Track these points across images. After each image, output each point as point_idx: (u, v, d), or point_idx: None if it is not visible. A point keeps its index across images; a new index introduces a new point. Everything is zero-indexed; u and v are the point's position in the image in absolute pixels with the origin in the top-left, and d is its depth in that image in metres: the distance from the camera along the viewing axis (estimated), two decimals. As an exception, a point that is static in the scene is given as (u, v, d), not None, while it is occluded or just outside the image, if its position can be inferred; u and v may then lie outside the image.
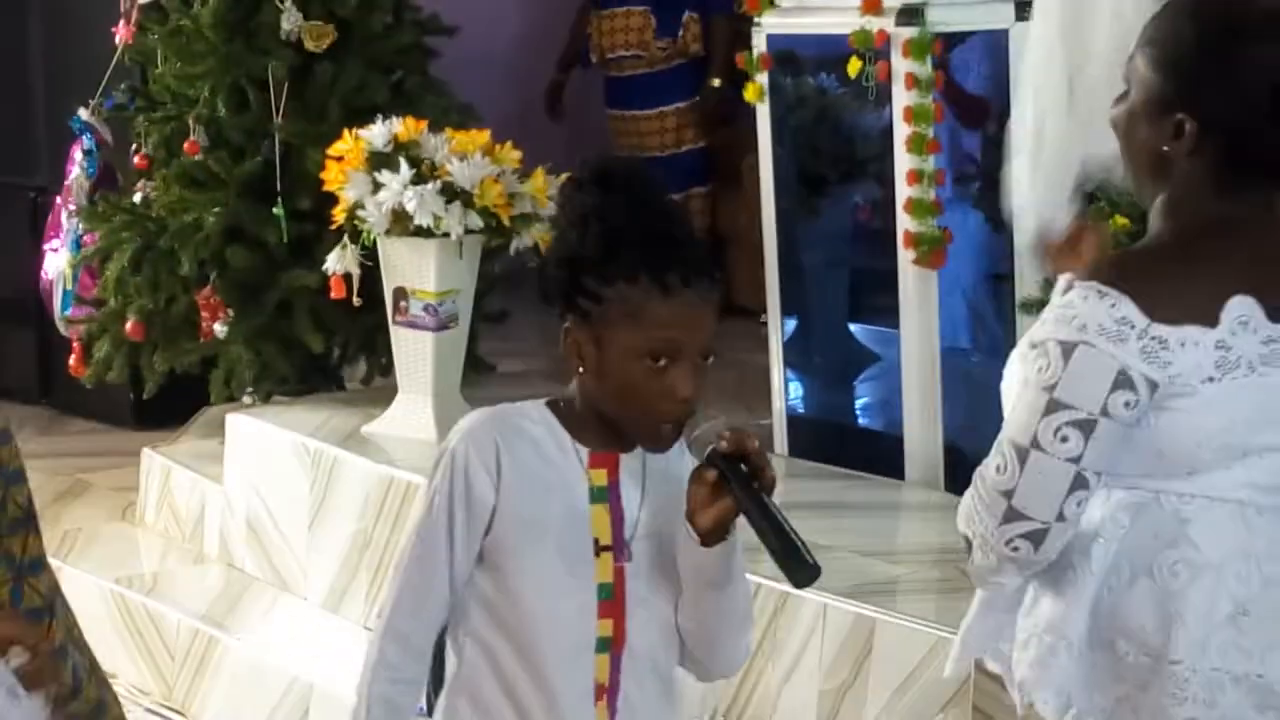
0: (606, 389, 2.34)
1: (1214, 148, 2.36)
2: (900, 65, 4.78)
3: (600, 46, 7.49)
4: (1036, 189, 2.85)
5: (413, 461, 5.19)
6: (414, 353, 5.46)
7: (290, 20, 5.83)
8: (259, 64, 5.87)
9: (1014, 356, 2.47)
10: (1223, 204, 2.37)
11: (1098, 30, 2.95)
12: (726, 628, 2.40)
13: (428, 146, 5.31)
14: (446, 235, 5.21)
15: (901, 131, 4.76)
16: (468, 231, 5.24)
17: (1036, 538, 2.32)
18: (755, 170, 5.51)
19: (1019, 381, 2.38)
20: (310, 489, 5.36)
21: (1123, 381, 2.27)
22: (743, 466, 2.25)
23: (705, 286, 2.31)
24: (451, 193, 5.20)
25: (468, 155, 5.25)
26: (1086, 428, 2.27)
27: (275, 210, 5.80)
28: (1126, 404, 2.28)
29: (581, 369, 2.35)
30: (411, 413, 5.45)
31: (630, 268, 2.28)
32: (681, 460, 2.34)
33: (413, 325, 5.43)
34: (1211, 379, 2.29)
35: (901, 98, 4.79)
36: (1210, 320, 2.29)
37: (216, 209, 5.83)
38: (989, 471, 2.35)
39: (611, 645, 2.37)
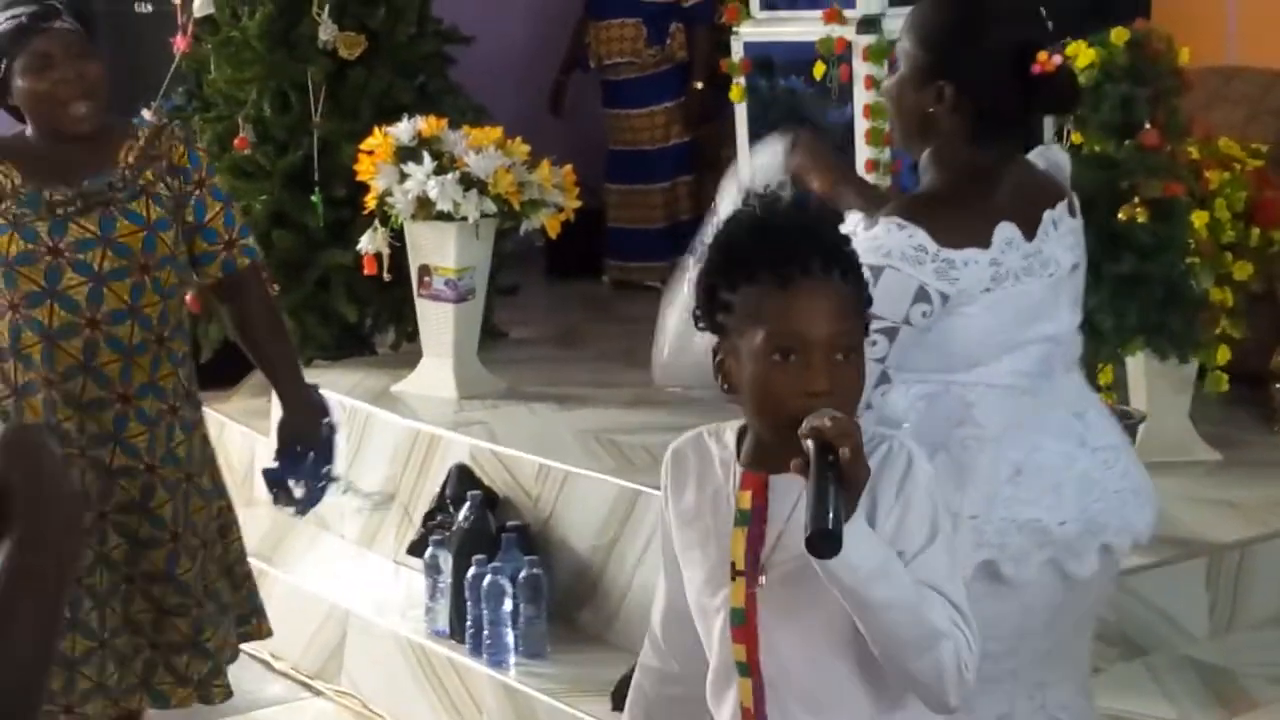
0: (748, 401, 1.99)
1: (969, 107, 2.57)
2: (860, 68, 4.79)
3: (598, 53, 7.49)
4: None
5: (435, 416, 5.21)
6: (436, 321, 5.47)
7: (327, 31, 5.85)
8: (299, 70, 5.89)
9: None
10: (979, 152, 2.59)
11: None
12: (887, 653, 1.93)
13: (448, 141, 5.33)
14: (464, 219, 5.23)
15: (861, 126, 4.76)
16: (483, 215, 5.25)
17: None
18: (734, 160, 5.49)
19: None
20: (345, 441, 5.31)
21: (921, 295, 2.48)
22: (830, 458, 1.85)
23: (829, 277, 1.96)
24: (469, 182, 5.22)
25: (482, 149, 5.27)
26: (891, 334, 2.46)
27: (314, 198, 5.83)
28: (924, 314, 2.49)
29: (726, 387, 2.02)
30: (434, 374, 5.47)
31: (749, 266, 1.97)
32: (890, 467, 1.98)
33: (435, 298, 5.44)
34: (988, 289, 2.51)
35: (862, 96, 4.80)
36: (985, 243, 2.51)
37: (263, 197, 5.87)
38: None
39: (750, 671, 2.03)
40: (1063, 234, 2.61)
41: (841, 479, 1.82)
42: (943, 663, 1.89)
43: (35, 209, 3.17)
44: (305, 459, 3.39)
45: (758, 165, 2.82)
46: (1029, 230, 2.56)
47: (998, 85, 2.56)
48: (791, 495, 1.94)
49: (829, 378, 1.93)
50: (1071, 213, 2.66)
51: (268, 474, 3.44)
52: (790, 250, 1.96)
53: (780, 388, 1.93)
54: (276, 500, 3.51)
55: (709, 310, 2.02)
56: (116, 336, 3.17)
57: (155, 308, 3.20)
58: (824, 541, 1.80)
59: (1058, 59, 2.56)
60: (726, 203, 2.79)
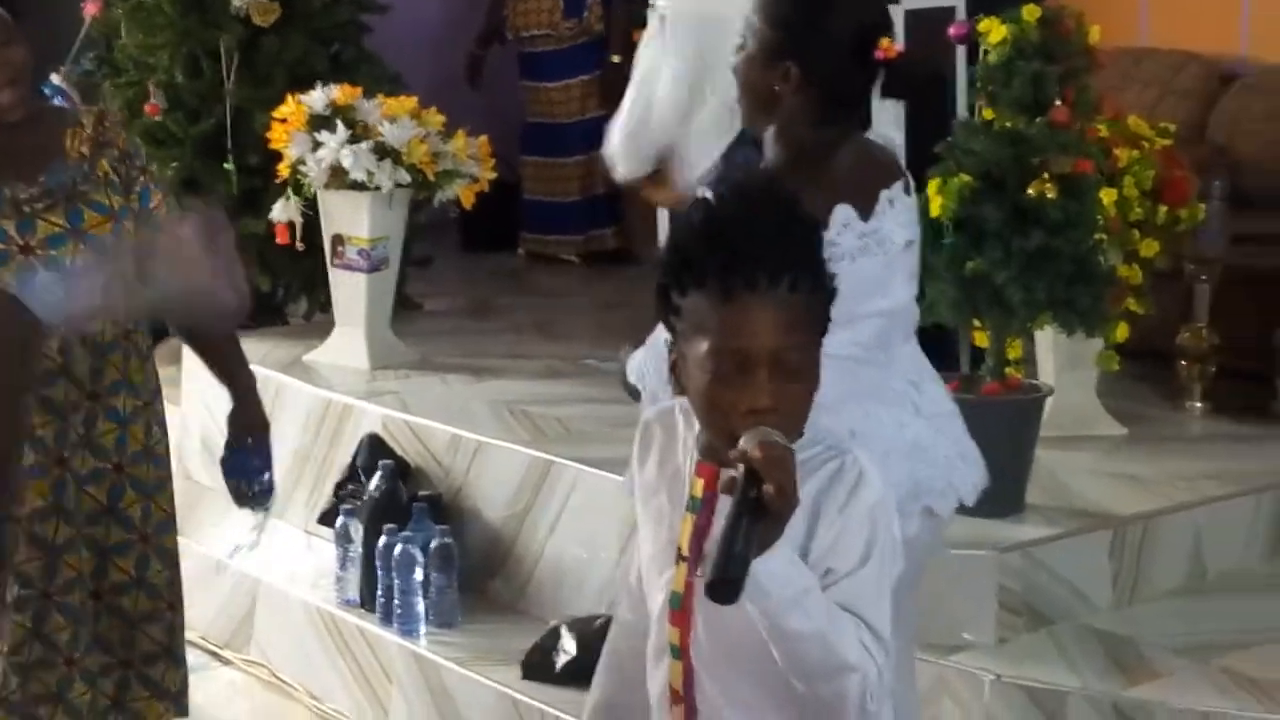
0: (694, 409, 1.94)
1: (813, 88, 2.65)
2: (775, 42, 4.78)
3: (515, 25, 7.47)
4: (637, 151, 3.02)
5: (348, 386, 5.19)
6: (349, 292, 5.44)
7: (239, -3, 5.82)
8: (212, 36, 5.86)
9: None
10: (821, 131, 2.67)
11: (724, 38, 3.02)
12: (793, 673, 1.89)
13: (362, 110, 5.30)
14: (378, 189, 5.21)
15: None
16: (397, 185, 5.24)
17: None
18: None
19: None
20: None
21: None
22: (754, 491, 1.78)
23: (776, 289, 1.87)
24: (382, 151, 5.20)
25: (397, 118, 5.25)
26: None
27: (226, 165, 5.80)
28: None
29: (679, 390, 1.97)
30: (347, 344, 5.45)
31: (696, 273, 1.89)
32: (809, 483, 1.90)
33: (348, 267, 5.42)
34: None
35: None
36: (823, 224, 2.49)
37: (174, 164, 5.84)
38: (660, 340, 2.55)
39: (682, 655, 2.01)
40: (898, 212, 2.71)
41: (763, 511, 1.77)
42: (846, 693, 1.86)
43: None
44: (256, 450, 3.31)
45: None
46: (866, 209, 2.66)
47: (840, 68, 2.66)
48: None
49: (772, 395, 1.86)
50: (907, 191, 2.77)
51: (225, 466, 3.35)
52: (737, 260, 1.87)
53: (722, 403, 1.88)
54: (236, 494, 3.37)
55: (663, 311, 1.96)
56: (87, 335, 3.07)
57: None
58: (720, 590, 1.77)
59: (899, 46, 2.70)
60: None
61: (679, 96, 3.03)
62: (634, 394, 2.85)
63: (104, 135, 3.12)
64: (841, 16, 2.68)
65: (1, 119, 3.04)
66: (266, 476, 3.34)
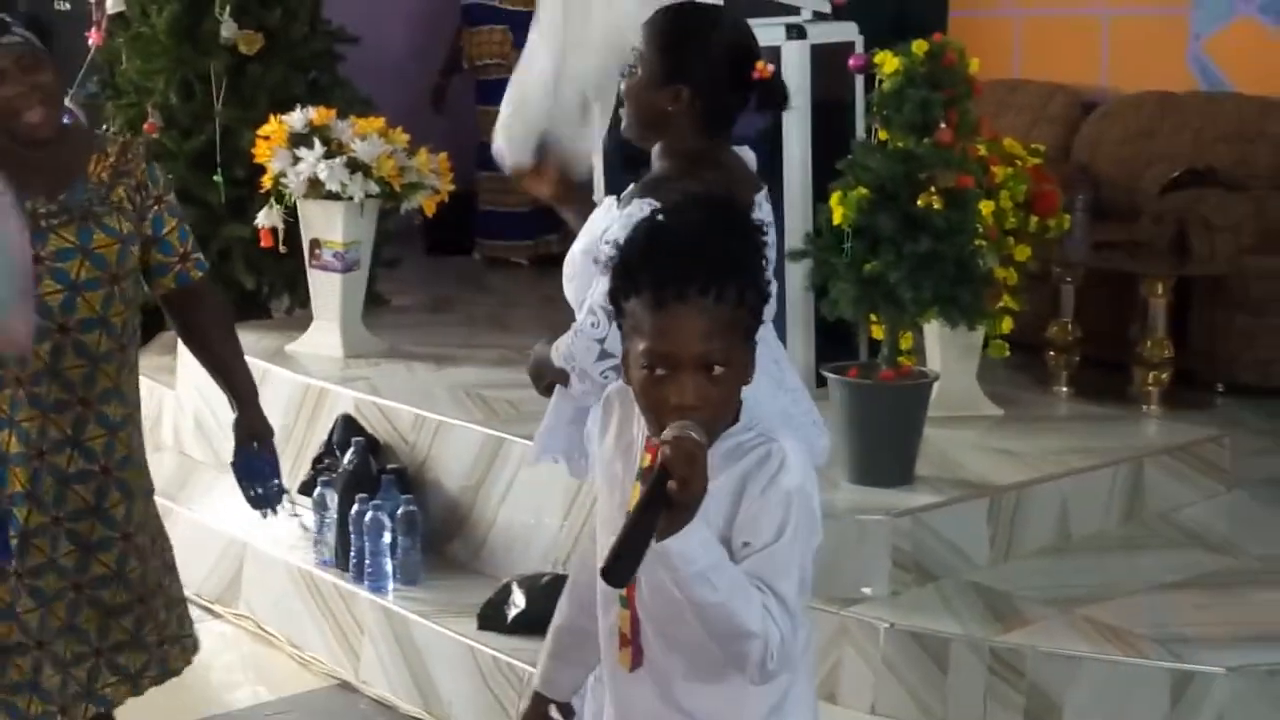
0: (635, 396, 1.93)
1: (701, 106, 2.68)
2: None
3: (470, 55, 7.43)
4: (515, 138, 2.99)
5: (324, 372, 5.15)
6: (326, 289, 5.39)
7: (228, 29, 5.77)
8: (203, 63, 5.80)
9: (579, 252, 2.73)
10: (705, 142, 2.70)
11: (591, 28, 3.00)
12: (702, 631, 1.89)
13: (336, 129, 5.26)
14: (351, 198, 5.17)
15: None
16: (367, 196, 5.20)
17: (618, 370, 2.40)
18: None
19: (595, 267, 2.59)
20: (244, 394, 5.27)
21: None
22: (662, 484, 1.79)
23: (704, 299, 1.86)
24: (355, 165, 5.17)
25: (367, 136, 5.21)
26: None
27: (216, 178, 5.74)
28: None
29: (627, 378, 1.95)
30: (323, 335, 5.40)
31: (635, 282, 1.89)
32: (730, 465, 1.92)
33: (325, 268, 5.37)
34: None
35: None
36: None
37: (169, 176, 5.66)
38: (585, 327, 2.62)
39: (629, 605, 2.00)
40: (765, 214, 2.72)
41: (668, 501, 1.77)
42: (747, 656, 1.86)
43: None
44: (261, 455, 3.14)
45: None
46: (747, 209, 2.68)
47: (724, 87, 2.68)
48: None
49: (695, 394, 1.85)
50: (766, 198, 2.78)
51: (236, 470, 3.18)
52: (668, 272, 1.86)
53: (654, 398, 1.87)
54: (248, 497, 3.20)
55: (616, 311, 1.95)
56: (85, 343, 2.92)
57: (121, 317, 2.94)
58: (610, 574, 1.78)
59: (771, 67, 2.74)
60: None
61: (546, 83, 2.97)
62: (537, 379, 2.82)
63: (125, 165, 2.97)
64: (724, 43, 2.71)
65: (32, 137, 2.89)
66: (275, 482, 3.18)
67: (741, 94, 2.73)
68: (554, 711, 2.20)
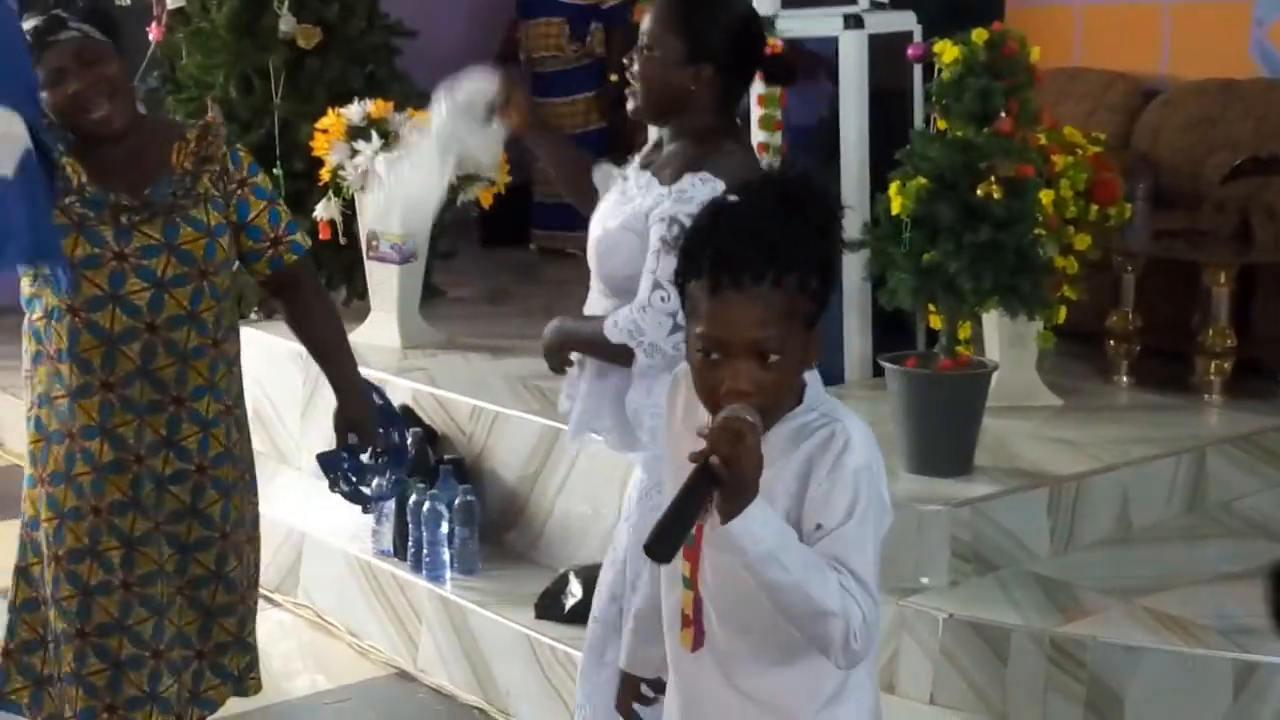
0: (692, 377, 1.94)
1: (719, 84, 2.71)
2: (756, 62, 4.75)
3: (527, 48, 7.45)
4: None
5: (382, 363, 5.17)
6: (383, 281, 5.42)
7: (287, 24, 5.79)
8: (262, 58, 5.82)
9: (616, 228, 2.74)
10: (720, 120, 2.74)
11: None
12: (781, 616, 1.89)
13: (393, 122, 5.28)
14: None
15: (755, 113, 4.75)
16: (424, 188, 5.20)
17: None
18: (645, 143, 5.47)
19: (655, 241, 2.65)
20: (303, 385, 5.32)
21: None
22: (709, 468, 1.80)
23: (759, 286, 1.85)
24: (412, 158, 5.17)
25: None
26: None
27: (275, 171, 5.74)
28: None
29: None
30: (381, 326, 5.44)
31: (697, 264, 1.89)
32: (795, 446, 1.91)
33: (382, 260, 5.40)
34: None
35: (755, 87, 4.75)
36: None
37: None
38: (655, 301, 2.65)
39: (692, 586, 1.99)
40: None
41: (715, 481, 1.78)
42: (830, 636, 1.85)
43: (99, 211, 2.80)
44: (353, 447, 3.04)
45: (471, 89, 2.88)
46: None
47: (742, 64, 2.73)
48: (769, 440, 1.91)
49: (750, 380, 1.85)
50: None
51: (321, 458, 3.12)
52: (725, 257, 1.85)
53: (708, 381, 1.88)
54: (333, 486, 3.15)
55: (680, 291, 1.94)
56: (174, 340, 2.81)
57: (211, 312, 2.85)
58: (653, 550, 1.80)
59: (780, 42, 2.82)
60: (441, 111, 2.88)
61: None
62: (556, 354, 2.84)
63: (206, 150, 2.87)
64: (741, 19, 2.76)
65: (105, 132, 2.80)
66: (353, 479, 3.11)
67: (755, 69, 2.78)
68: (645, 689, 2.22)
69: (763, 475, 1.84)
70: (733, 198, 1.94)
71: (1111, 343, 5.10)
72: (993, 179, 3.93)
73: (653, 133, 2.92)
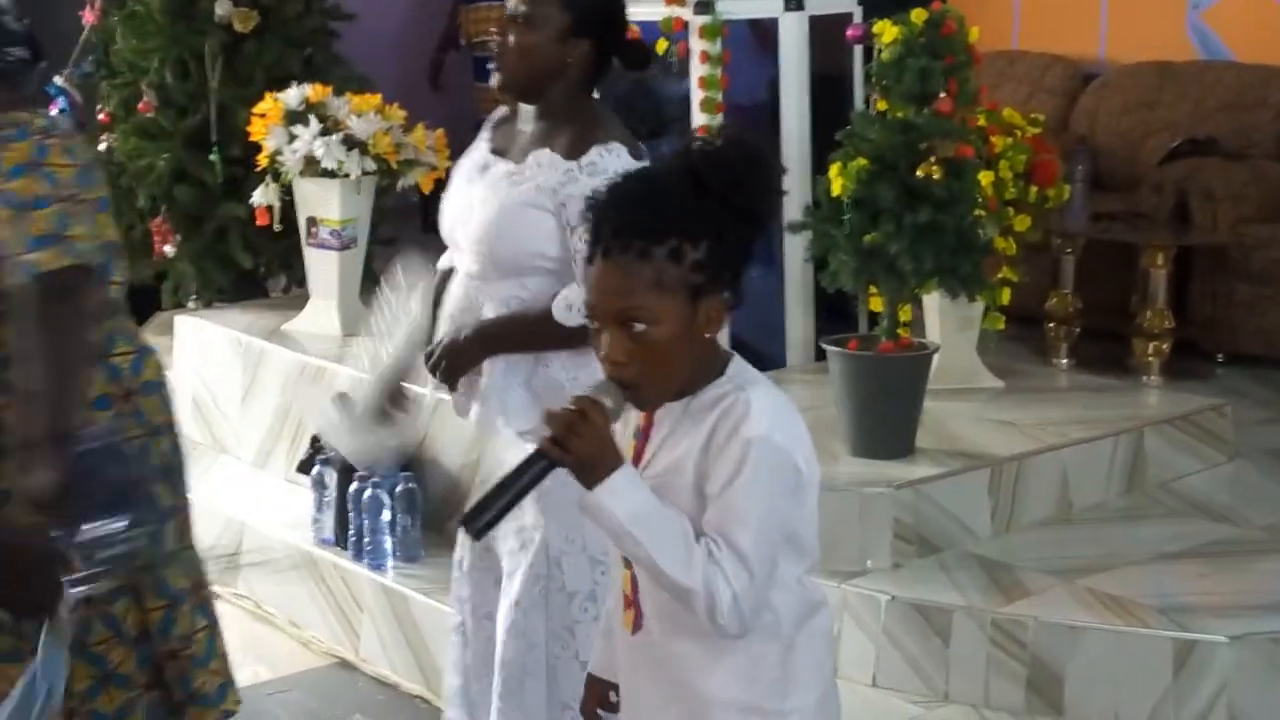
0: None
1: (593, 61, 2.71)
2: (696, 45, 4.74)
3: (468, 32, 7.39)
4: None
5: (321, 350, 5.12)
6: (323, 267, 5.36)
7: (222, 7, 5.73)
8: (198, 41, 5.75)
9: (518, 204, 2.69)
10: (586, 98, 2.75)
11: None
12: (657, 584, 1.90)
13: (332, 107, 5.22)
14: (347, 176, 5.13)
15: (696, 95, 4.73)
16: (364, 173, 5.16)
17: None
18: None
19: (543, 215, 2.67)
20: (242, 373, 5.26)
21: None
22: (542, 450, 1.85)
23: (626, 255, 1.84)
24: (351, 142, 5.13)
25: (363, 114, 5.17)
26: None
27: (212, 156, 5.70)
28: None
29: None
30: (320, 314, 5.37)
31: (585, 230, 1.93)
32: (703, 418, 1.89)
33: (321, 246, 5.33)
34: None
35: (697, 70, 4.75)
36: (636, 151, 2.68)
37: (165, 155, 5.73)
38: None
39: (628, 565, 1.97)
40: None
41: (552, 460, 1.83)
42: (695, 611, 1.84)
43: None
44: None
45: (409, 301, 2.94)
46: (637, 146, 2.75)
47: (614, 44, 2.73)
48: (667, 424, 1.92)
49: (623, 350, 1.85)
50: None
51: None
52: (597, 225, 1.87)
53: (596, 349, 1.89)
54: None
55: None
56: None
57: None
58: (467, 523, 1.85)
59: (637, 29, 2.83)
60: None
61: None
62: (466, 355, 2.79)
63: None
64: (617, 2, 2.76)
65: None
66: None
67: (619, 52, 2.77)
68: (613, 695, 2.14)
69: (676, 449, 1.87)
70: (638, 165, 1.93)
71: (1051, 325, 5.12)
72: (933, 160, 3.92)
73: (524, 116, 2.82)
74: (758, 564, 1.84)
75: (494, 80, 2.76)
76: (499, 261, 2.73)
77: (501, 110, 2.92)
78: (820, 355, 4.32)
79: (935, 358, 4.14)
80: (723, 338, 1.97)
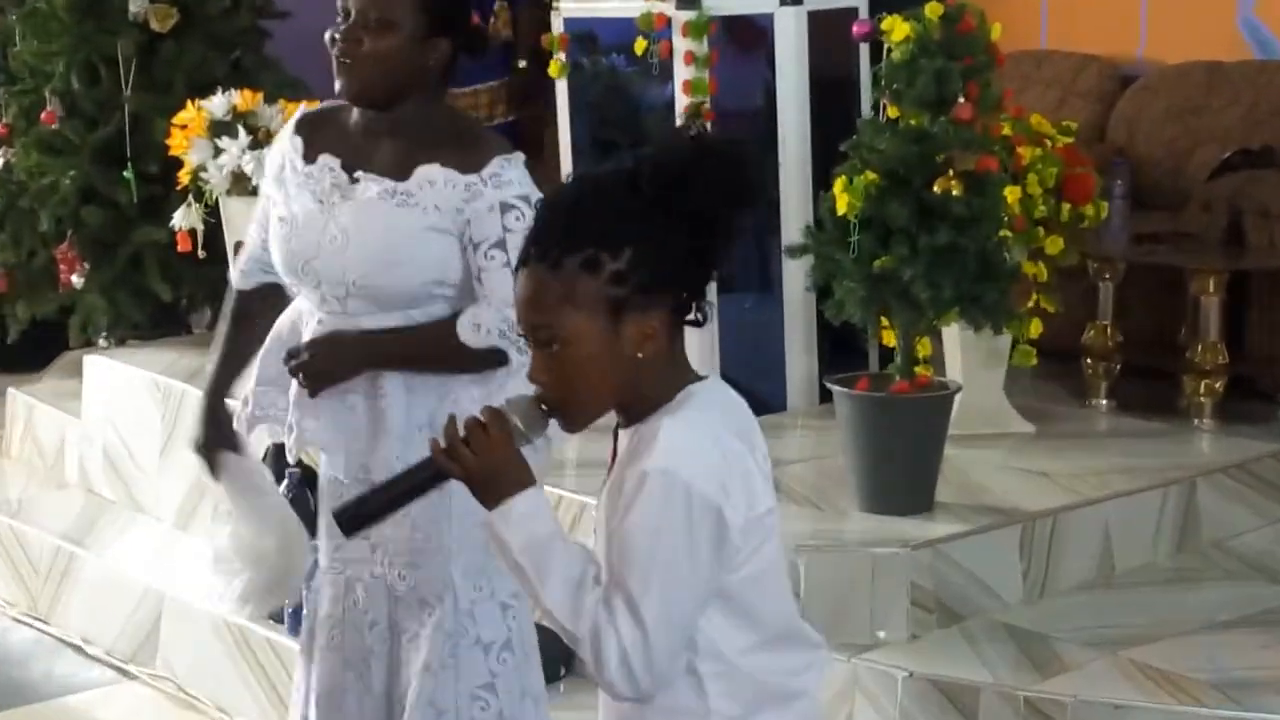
0: None
1: (449, 60, 2.81)
2: (680, 44, 4.77)
3: (418, 31, 7.42)
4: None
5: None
6: (253, 299, 5.35)
7: (137, 3, 5.76)
8: (109, 42, 5.77)
9: (423, 229, 2.75)
10: (441, 98, 2.86)
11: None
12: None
13: (263, 116, 5.26)
14: (281, 194, 5.13)
15: (681, 102, 4.75)
16: (300, 191, 5.16)
17: None
18: (557, 140, 5.47)
19: (496, 231, 2.75)
20: (161, 421, 5.25)
21: None
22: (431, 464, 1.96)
23: (539, 263, 1.89)
24: (285, 156, 5.13)
25: (299, 123, 5.18)
26: None
27: (125, 174, 5.71)
28: None
29: None
30: (252, 353, 5.36)
31: None
32: (641, 448, 1.91)
33: (252, 275, 5.33)
34: None
35: (681, 72, 4.78)
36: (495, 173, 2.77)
37: (72, 172, 5.74)
38: None
39: None
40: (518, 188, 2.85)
41: (435, 467, 1.93)
42: (585, 660, 1.88)
43: None
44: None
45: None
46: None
47: (470, 35, 2.86)
48: (624, 453, 1.95)
49: (537, 365, 1.91)
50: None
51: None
52: (534, 233, 1.93)
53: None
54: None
55: None
56: None
57: None
58: (339, 517, 2.00)
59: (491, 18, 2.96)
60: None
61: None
62: (339, 366, 2.86)
63: None
64: None
65: None
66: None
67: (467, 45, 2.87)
68: None
69: (614, 476, 1.93)
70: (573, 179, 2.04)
71: (1088, 360, 5.14)
72: (951, 174, 3.95)
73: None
74: (653, 620, 1.84)
75: (339, 89, 2.81)
76: (385, 295, 2.76)
77: (307, 110, 3.00)
78: (825, 397, 4.33)
79: (957, 399, 4.16)
80: (712, 374, 2.00)
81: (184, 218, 5.30)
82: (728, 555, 1.88)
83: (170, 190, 5.41)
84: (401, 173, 2.77)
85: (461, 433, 1.91)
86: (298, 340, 2.87)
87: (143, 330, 5.90)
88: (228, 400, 3.04)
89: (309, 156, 2.86)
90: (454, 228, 2.73)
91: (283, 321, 2.96)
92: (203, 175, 5.20)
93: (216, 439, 3.03)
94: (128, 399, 5.38)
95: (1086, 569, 4.09)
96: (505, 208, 2.71)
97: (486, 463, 1.90)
